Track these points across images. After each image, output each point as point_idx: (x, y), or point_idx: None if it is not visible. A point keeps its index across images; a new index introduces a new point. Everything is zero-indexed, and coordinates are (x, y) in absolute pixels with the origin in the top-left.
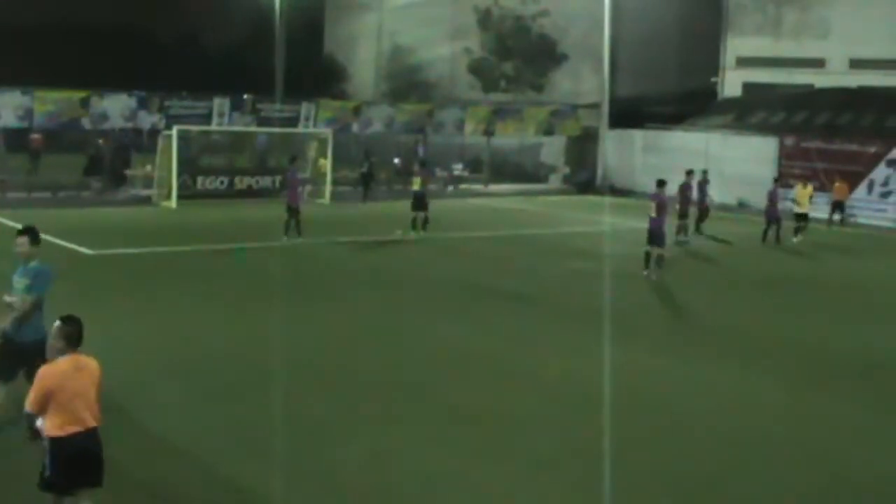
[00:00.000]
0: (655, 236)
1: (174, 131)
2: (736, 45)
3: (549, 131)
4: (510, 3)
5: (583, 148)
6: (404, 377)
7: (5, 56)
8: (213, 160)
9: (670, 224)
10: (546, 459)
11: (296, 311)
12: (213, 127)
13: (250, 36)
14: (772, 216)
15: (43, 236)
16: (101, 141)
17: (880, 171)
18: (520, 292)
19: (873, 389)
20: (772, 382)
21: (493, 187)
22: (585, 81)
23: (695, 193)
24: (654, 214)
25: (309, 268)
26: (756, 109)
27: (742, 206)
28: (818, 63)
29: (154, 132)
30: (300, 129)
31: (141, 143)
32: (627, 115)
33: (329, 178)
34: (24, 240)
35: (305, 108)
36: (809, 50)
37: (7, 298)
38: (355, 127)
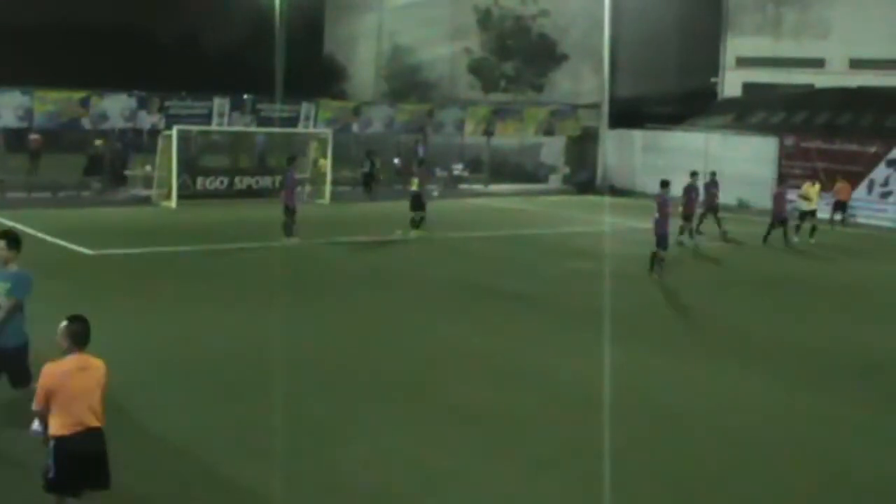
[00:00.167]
0: (658, 238)
1: (174, 131)
2: (736, 45)
3: (549, 131)
4: (510, 3)
5: (583, 148)
6: (404, 377)
7: (5, 56)
8: (213, 160)
9: (673, 226)
10: (546, 459)
11: (296, 311)
12: (213, 127)
13: (250, 36)
14: (779, 217)
15: (43, 236)
16: (98, 142)
17: (880, 171)
18: (520, 292)
19: (873, 389)
20: (772, 382)
21: (493, 187)
22: (585, 81)
23: (701, 195)
24: (657, 216)
25: (309, 268)
26: (756, 109)
27: (742, 206)
28: (818, 63)
29: (154, 132)
30: (300, 130)
31: (141, 143)
32: (627, 115)
33: (329, 178)
34: (2, 244)
35: (305, 108)
36: (809, 50)
37: None
38: (355, 127)
